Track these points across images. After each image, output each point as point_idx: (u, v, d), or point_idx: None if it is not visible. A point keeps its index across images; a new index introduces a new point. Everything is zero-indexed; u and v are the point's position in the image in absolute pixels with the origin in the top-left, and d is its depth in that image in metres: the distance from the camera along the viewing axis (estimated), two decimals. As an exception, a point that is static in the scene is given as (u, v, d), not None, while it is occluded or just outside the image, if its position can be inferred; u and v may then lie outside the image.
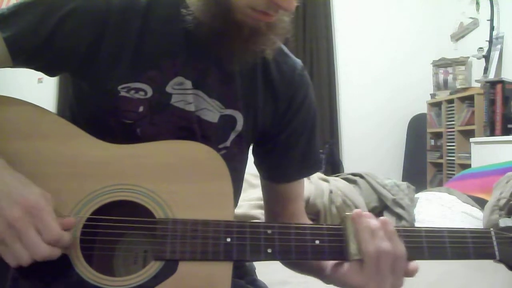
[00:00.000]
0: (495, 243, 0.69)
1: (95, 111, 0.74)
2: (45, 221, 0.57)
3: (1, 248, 0.56)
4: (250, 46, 0.70)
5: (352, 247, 0.64)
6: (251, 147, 0.87)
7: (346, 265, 0.65)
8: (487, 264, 1.34)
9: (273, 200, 0.89)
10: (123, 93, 0.72)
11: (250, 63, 0.76)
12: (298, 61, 0.84)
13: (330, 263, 0.70)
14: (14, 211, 0.55)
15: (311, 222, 0.91)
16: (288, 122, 0.82)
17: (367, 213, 0.67)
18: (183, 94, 0.74)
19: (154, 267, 0.62)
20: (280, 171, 0.85)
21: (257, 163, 0.88)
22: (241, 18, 0.66)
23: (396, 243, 0.64)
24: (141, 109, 0.73)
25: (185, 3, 0.72)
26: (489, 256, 0.69)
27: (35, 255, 0.56)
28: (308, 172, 0.87)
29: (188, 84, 0.73)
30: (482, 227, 1.71)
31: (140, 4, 0.72)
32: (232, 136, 0.79)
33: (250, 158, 0.88)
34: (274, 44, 0.72)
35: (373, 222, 0.65)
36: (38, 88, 3.67)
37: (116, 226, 0.63)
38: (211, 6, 0.67)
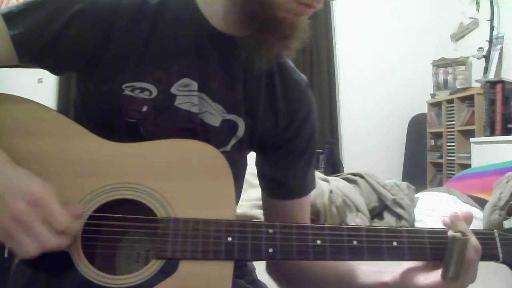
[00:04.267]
0: (498, 244, 0.69)
1: (99, 109, 0.74)
2: (51, 211, 0.57)
3: (9, 242, 0.57)
4: (289, 43, 0.69)
5: (451, 271, 0.65)
6: (253, 156, 0.86)
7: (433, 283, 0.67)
8: (486, 265, 1.34)
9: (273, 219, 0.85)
10: (127, 92, 0.72)
11: (260, 70, 0.76)
12: (303, 77, 0.83)
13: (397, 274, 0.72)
14: (19, 204, 0.56)
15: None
16: (290, 138, 0.81)
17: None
18: (189, 96, 0.73)
19: (155, 265, 0.62)
20: (280, 187, 0.83)
21: (260, 176, 0.86)
22: (282, 15, 0.65)
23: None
24: (144, 108, 0.73)
25: (196, 5, 0.72)
26: (493, 257, 0.69)
27: (44, 246, 0.56)
28: (308, 189, 0.85)
29: (194, 85, 0.73)
30: (483, 227, 1.71)
31: (150, 6, 0.72)
32: (233, 141, 0.78)
33: (250, 160, 0.88)
34: (297, 44, 0.71)
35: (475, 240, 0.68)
36: (38, 88, 3.66)
37: (117, 224, 0.63)
38: (246, 3, 0.66)
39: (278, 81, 0.79)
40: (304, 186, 0.85)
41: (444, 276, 0.65)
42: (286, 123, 0.80)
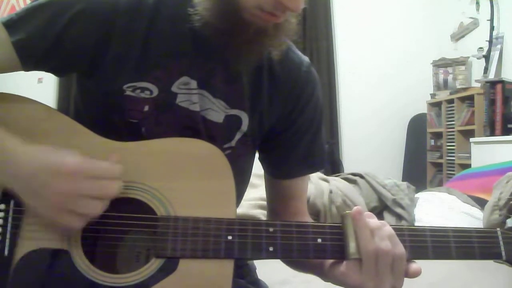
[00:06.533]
0: (501, 243, 0.68)
1: (101, 110, 0.74)
2: (91, 178, 0.59)
3: (55, 218, 0.59)
4: (256, 47, 0.69)
5: (351, 246, 0.63)
6: None
7: (344, 264, 0.64)
8: (489, 264, 1.34)
9: (275, 198, 0.88)
10: (128, 92, 0.72)
11: (256, 63, 0.76)
12: (305, 58, 0.84)
13: (328, 261, 0.69)
14: (58, 182, 0.57)
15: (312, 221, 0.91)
16: (294, 120, 0.81)
17: (368, 212, 0.66)
18: (188, 94, 0.74)
19: (155, 264, 0.62)
20: (282, 167, 0.84)
21: (261, 158, 0.87)
22: (249, 18, 0.66)
23: (396, 243, 0.63)
24: (146, 108, 0.73)
25: (192, 2, 0.72)
26: (495, 256, 0.68)
27: (89, 215, 0.59)
28: (310, 170, 0.87)
29: (194, 84, 0.73)
30: (483, 227, 1.71)
31: (147, 4, 0.72)
32: (238, 136, 0.78)
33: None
34: (281, 45, 0.72)
35: (373, 221, 0.64)
36: (38, 88, 3.67)
37: (117, 223, 0.63)
38: (219, 5, 0.66)
39: (279, 67, 0.79)
40: (309, 164, 0.86)
41: (345, 255, 0.64)
42: (292, 106, 0.81)
